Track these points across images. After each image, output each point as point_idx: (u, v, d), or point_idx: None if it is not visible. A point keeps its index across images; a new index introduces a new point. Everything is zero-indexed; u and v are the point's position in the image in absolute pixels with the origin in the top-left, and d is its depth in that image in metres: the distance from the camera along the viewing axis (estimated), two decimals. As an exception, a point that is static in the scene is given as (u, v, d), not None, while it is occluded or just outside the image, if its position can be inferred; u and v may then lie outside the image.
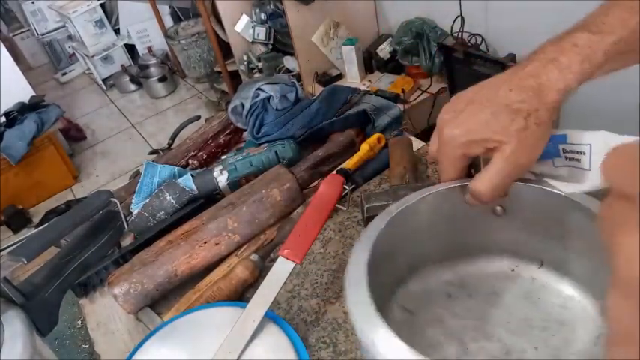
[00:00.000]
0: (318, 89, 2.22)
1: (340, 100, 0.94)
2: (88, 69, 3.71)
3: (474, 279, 0.52)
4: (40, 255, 0.68)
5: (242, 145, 1.00)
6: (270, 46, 2.64)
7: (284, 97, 0.95)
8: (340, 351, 0.55)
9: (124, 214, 0.81)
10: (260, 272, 0.66)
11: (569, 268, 0.50)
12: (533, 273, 0.52)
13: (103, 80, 3.62)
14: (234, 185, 0.83)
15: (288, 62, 2.52)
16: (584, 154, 0.43)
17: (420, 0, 2.10)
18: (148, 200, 0.81)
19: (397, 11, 2.26)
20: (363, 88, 2.15)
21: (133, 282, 0.66)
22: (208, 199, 0.82)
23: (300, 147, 0.88)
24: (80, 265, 0.75)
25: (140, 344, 0.57)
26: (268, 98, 0.95)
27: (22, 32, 3.87)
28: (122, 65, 3.58)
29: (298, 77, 2.37)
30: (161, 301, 0.70)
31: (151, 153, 1.62)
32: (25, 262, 0.65)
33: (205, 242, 0.70)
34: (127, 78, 3.53)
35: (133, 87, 3.55)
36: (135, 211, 0.82)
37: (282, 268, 0.54)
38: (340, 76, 2.36)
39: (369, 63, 2.30)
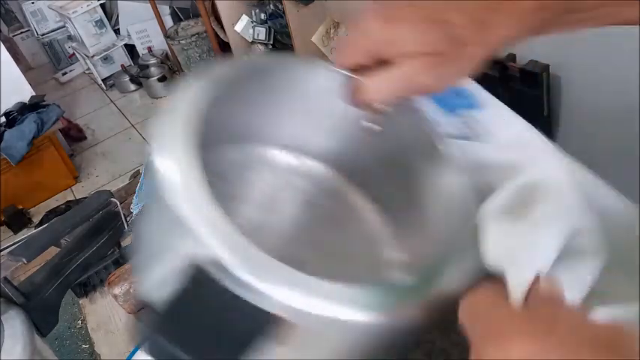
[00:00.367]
0: (318, 89, 2.22)
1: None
2: (88, 69, 3.70)
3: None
4: (40, 255, 0.68)
5: (242, 145, 1.00)
6: (270, 46, 2.64)
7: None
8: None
9: (124, 214, 0.81)
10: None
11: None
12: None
13: (103, 80, 3.61)
14: (234, 185, 0.83)
15: (289, 62, 2.52)
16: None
17: (420, 0, 2.09)
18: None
19: (397, 11, 2.26)
20: (363, 88, 2.15)
21: (133, 282, 0.66)
22: (208, 198, 0.81)
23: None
24: (80, 265, 0.74)
25: (140, 344, 0.57)
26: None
27: (22, 32, 3.86)
28: (122, 65, 3.57)
29: (298, 77, 2.37)
30: (161, 301, 0.69)
31: (151, 153, 1.62)
32: (25, 262, 0.65)
33: (205, 242, 0.69)
34: (127, 78, 3.52)
35: (132, 87, 3.54)
36: (135, 211, 0.82)
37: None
38: (340, 76, 2.36)
39: (369, 63, 2.30)
